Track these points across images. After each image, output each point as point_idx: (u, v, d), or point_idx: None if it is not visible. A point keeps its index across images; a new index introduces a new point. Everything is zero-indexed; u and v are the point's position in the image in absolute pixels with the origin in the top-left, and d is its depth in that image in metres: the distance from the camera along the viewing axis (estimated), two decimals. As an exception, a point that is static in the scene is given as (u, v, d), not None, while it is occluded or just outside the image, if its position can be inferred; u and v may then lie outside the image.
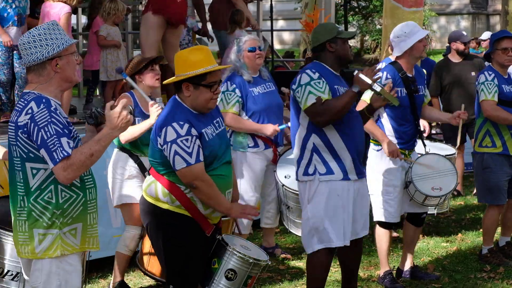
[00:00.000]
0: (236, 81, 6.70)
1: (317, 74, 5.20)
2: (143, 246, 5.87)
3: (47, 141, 3.75)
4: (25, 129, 3.81)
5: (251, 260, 4.61)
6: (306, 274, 5.59)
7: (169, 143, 4.43)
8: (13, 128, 3.88)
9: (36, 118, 3.78)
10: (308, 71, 5.25)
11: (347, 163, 5.27)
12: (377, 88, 5.22)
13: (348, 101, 5.14)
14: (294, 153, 5.41)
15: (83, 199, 3.97)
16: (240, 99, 6.68)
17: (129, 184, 6.04)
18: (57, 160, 3.75)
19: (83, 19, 13.00)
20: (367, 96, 5.94)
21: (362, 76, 5.17)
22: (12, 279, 4.78)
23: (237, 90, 6.66)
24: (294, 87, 5.25)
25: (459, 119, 6.32)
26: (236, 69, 6.75)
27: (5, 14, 7.99)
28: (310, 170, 5.30)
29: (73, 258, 3.97)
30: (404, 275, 6.59)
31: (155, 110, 5.69)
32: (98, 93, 11.01)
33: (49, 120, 3.78)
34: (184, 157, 4.42)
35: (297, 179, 5.43)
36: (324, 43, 5.30)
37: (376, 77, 5.23)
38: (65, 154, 3.75)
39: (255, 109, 6.74)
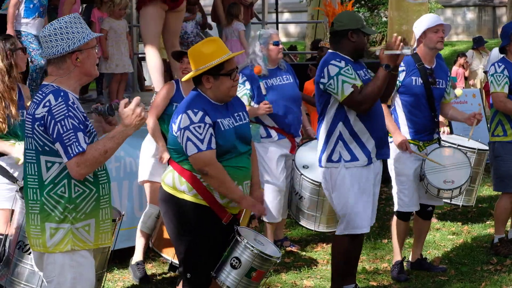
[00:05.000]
0: (246, 74, 6.74)
1: (343, 62, 5.35)
2: (156, 230, 5.97)
3: (63, 135, 3.75)
4: (42, 121, 3.80)
5: (255, 251, 4.60)
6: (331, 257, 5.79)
7: (182, 130, 4.51)
8: (30, 120, 3.87)
9: (53, 111, 3.77)
10: (333, 61, 5.37)
11: (371, 148, 5.46)
12: (407, 51, 5.28)
13: (384, 82, 5.30)
14: (319, 141, 5.56)
15: (96, 195, 3.95)
16: (249, 92, 6.72)
17: (154, 162, 6.25)
18: (72, 155, 3.75)
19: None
20: None
21: (387, 52, 5.27)
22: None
23: (246, 83, 6.72)
24: (324, 81, 5.37)
25: (474, 119, 6.30)
26: (251, 62, 6.77)
27: (31, 6, 8.02)
28: (335, 157, 5.47)
29: (85, 252, 3.96)
30: (408, 266, 6.61)
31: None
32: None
33: (67, 114, 3.77)
34: (195, 143, 4.48)
35: (320, 166, 5.58)
36: (347, 30, 5.41)
37: (399, 43, 5.31)
38: (80, 149, 3.74)
39: (268, 100, 6.73)
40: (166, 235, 5.82)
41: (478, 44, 16.81)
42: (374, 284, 6.32)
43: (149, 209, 6.34)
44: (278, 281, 6.38)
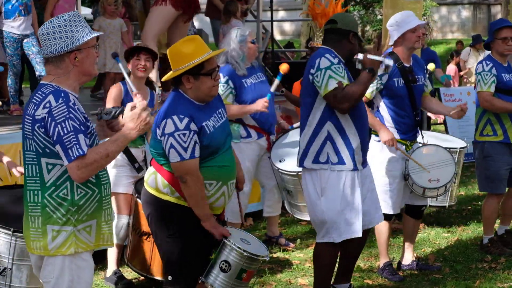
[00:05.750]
0: (227, 73, 6.66)
1: (336, 59, 5.23)
2: (130, 240, 5.90)
3: (64, 138, 3.66)
4: (42, 123, 3.69)
5: (245, 254, 4.57)
6: (313, 264, 5.60)
7: (167, 136, 4.43)
8: (30, 121, 3.75)
9: (54, 113, 3.67)
10: (327, 55, 5.23)
11: (357, 153, 5.30)
12: (390, 62, 5.25)
13: (367, 84, 5.20)
14: (302, 140, 5.37)
15: (98, 196, 3.88)
16: (234, 91, 6.67)
17: (116, 173, 6.09)
18: (72, 158, 3.66)
19: (83, 11, 12.97)
20: None
21: (371, 56, 5.21)
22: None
23: (229, 82, 6.64)
24: (312, 71, 5.23)
25: (460, 111, 6.26)
26: (230, 61, 6.72)
27: (10, 6, 8.06)
28: (322, 159, 5.29)
29: (86, 254, 3.90)
30: (407, 267, 6.58)
31: (138, 101, 5.76)
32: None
33: (67, 115, 3.67)
34: (179, 151, 4.41)
35: (302, 166, 5.38)
36: (349, 31, 5.31)
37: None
38: (81, 152, 3.66)
39: (248, 100, 6.71)
40: (141, 248, 5.76)
41: (476, 41, 16.85)
42: (369, 282, 6.33)
43: (119, 220, 6.16)
44: (273, 279, 6.38)
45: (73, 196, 3.79)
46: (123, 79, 6.24)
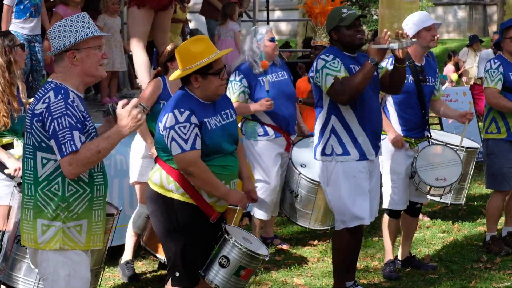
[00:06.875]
0: (243, 71, 6.76)
1: (331, 56, 5.42)
2: (147, 228, 6.02)
3: (58, 133, 3.73)
4: (40, 117, 3.78)
5: (244, 250, 4.60)
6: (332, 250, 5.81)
7: (168, 129, 4.50)
8: (30, 115, 3.85)
9: (51, 108, 3.75)
10: (322, 55, 5.47)
11: (364, 145, 5.47)
12: (395, 45, 5.28)
13: (366, 74, 5.30)
14: (315, 134, 5.62)
15: (89, 195, 3.91)
16: (246, 89, 6.73)
17: (143, 163, 6.25)
18: (65, 153, 3.72)
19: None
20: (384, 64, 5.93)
21: (375, 46, 5.27)
22: None
23: (243, 80, 6.73)
24: (312, 74, 5.48)
25: (465, 118, 6.32)
26: (247, 59, 6.78)
27: (22, 7, 8.04)
28: (327, 151, 5.51)
29: (79, 250, 3.92)
30: (399, 265, 6.60)
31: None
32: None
33: (64, 112, 3.74)
34: (179, 144, 4.46)
35: (315, 158, 5.64)
36: (330, 32, 5.52)
37: (387, 38, 5.31)
38: (73, 148, 3.72)
39: (264, 98, 6.73)
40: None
41: (473, 41, 16.90)
42: (365, 282, 6.33)
43: (139, 209, 6.34)
44: (269, 279, 6.38)
45: (64, 192, 3.85)
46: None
